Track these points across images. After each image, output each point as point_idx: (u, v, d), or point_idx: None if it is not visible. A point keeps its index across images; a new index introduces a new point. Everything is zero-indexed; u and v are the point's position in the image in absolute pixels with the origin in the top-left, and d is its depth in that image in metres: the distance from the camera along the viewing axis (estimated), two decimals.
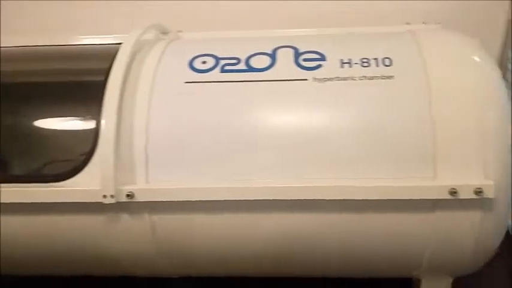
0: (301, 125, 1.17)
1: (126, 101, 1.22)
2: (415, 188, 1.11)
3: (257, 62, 1.26)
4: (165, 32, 1.53)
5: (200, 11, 1.94)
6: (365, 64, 1.23)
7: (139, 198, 1.17)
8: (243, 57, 1.27)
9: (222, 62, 1.27)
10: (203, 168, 1.18)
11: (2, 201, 1.21)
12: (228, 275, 1.39)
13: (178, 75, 1.26)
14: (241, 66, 1.25)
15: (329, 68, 1.23)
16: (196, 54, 1.30)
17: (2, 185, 1.22)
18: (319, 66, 1.23)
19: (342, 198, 1.12)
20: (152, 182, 1.19)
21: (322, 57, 1.25)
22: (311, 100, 1.19)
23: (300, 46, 1.30)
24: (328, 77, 1.21)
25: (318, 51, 1.27)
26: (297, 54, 1.27)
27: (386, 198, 1.12)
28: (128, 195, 1.16)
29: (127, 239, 1.25)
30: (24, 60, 1.53)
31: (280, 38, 1.41)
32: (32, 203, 1.20)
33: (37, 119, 1.39)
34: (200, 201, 1.16)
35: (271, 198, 1.13)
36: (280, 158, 1.16)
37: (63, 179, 1.22)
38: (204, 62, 1.27)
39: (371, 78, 1.20)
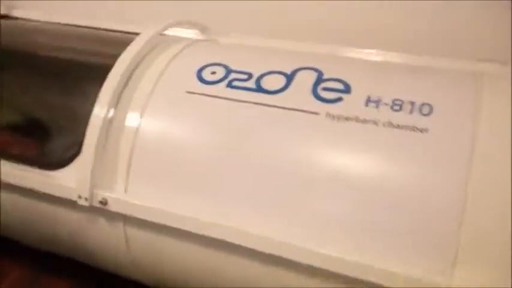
0: (294, 170, 0.97)
1: (123, 99, 1.13)
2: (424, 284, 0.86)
3: (269, 82, 1.08)
4: (201, 30, 1.41)
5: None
6: (396, 107, 0.98)
7: (112, 207, 1.09)
8: (256, 74, 1.10)
9: (232, 76, 1.11)
10: (184, 190, 1.06)
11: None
12: None
13: (183, 82, 1.13)
14: (251, 84, 1.08)
15: (350, 104, 1.00)
16: (208, 62, 1.16)
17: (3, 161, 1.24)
18: (338, 99, 1.02)
19: (329, 269, 0.92)
20: (130, 192, 1.10)
21: (346, 89, 1.03)
22: (315, 141, 0.98)
23: (327, 70, 1.08)
24: (345, 115, 0.98)
25: (344, 80, 1.05)
26: (319, 79, 1.06)
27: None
28: (101, 202, 1.10)
29: (102, 242, 1.19)
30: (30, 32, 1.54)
31: (317, 55, 1.21)
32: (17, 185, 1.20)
33: (40, 96, 1.38)
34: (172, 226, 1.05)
35: (236, 243, 0.97)
36: (258, 200, 0.99)
37: (55, 168, 1.19)
38: (213, 73, 1.13)
39: (398, 127, 0.95)
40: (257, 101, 1.05)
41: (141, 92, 1.15)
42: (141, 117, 1.11)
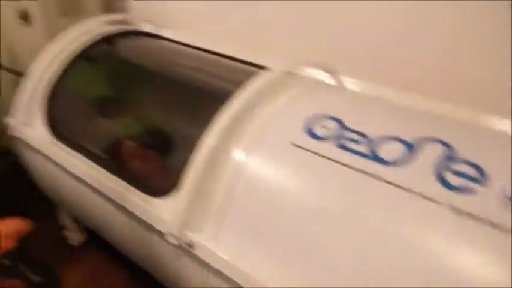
0: (401, 259, 0.82)
1: (231, 137, 1.08)
2: None
3: (386, 150, 0.93)
4: (328, 72, 1.28)
5: None
6: None
7: (198, 252, 1.06)
8: (372, 136, 0.96)
9: (344, 134, 0.98)
10: (278, 255, 0.96)
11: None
12: None
13: (289, 131, 1.04)
14: (364, 148, 0.94)
15: (484, 199, 0.81)
16: (322, 113, 1.04)
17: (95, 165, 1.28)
18: (469, 190, 0.83)
19: None
20: (221, 241, 1.04)
21: (483, 177, 0.84)
22: (430, 236, 0.82)
23: (460, 145, 0.89)
24: (475, 213, 0.80)
25: (480, 165, 0.85)
26: (448, 158, 0.88)
27: None
28: (188, 244, 1.06)
29: (185, 278, 1.18)
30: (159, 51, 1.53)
31: (452, 121, 1.01)
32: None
33: (156, 115, 1.38)
34: None
35: None
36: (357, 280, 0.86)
37: (155, 195, 1.19)
38: (323, 126, 1.01)
39: None
40: (369, 171, 0.91)
41: (250, 133, 1.07)
42: (245, 161, 1.04)
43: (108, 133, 1.57)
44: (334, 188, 0.94)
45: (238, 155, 1.08)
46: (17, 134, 1.50)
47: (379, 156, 0.92)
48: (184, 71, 1.57)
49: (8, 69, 1.84)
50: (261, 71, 1.21)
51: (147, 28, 1.72)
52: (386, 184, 0.89)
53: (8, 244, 0.96)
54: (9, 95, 1.59)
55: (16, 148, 1.63)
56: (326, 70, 1.28)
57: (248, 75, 1.20)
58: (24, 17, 1.71)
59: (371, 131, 0.97)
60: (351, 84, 1.25)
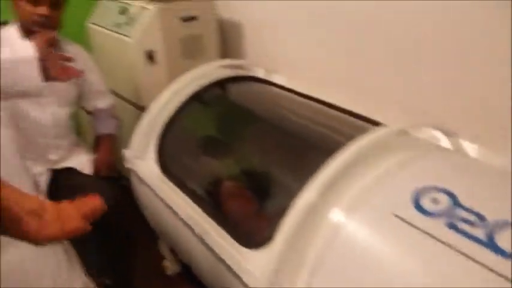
0: None
1: (331, 195, 1.03)
2: None
3: (507, 239, 0.80)
4: (447, 135, 1.18)
5: None
6: None
7: None
8: (490, 219, 0.84)
9: (457, 212, 0.87)
10: None
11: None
12: None
13: (395, 200, 0.96)
14: (480, 232, 0.82)
15: None
16: (433, 184, 0.94)
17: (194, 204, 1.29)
18: None
19: None
20: None
21: None
22: None
23: None
24: None
25: None
26: None
27: None
28: None
29: None
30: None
31: None
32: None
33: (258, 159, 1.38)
34: None
35: None
36: None
37: (247, 245, 1.17)
38: (434, 200, 0.91)
39: None
40: (484, 262, 0.79)
41: (353, 194, 1.02)
42: (344, 223, 0.99)
43: (210, 172, 1.62)
44: (439, 273, 0.83)
45: (337, 215, 1.02)
46: (130, 165, 1.61)
47: (498, 245, 0.80)
48: (292, 119, 1.57)
49: (132, 103, 2.01)
50: (372, 127, 1.16)
51: (259, 73, 1.77)
52: (504, 280, 0.76)
53: (81, 225, 0.84)
54: (132, 127, 1.72)
55: (129, 175, 1.75)
56: (444, 132, 1.19)
57: (359, 130, 1.15)
58: (150, 57, 1.86)
59: (490, 212, 0.85)
60: (470, 149, 1.13)
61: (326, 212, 1.03)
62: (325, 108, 1.46)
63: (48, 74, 1.13)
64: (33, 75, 1.10)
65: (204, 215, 1.30)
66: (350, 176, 1.06)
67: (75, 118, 1.89)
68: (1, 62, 1.06)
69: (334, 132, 1.36)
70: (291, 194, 1.10)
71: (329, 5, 1.62)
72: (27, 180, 1.09)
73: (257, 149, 1.53)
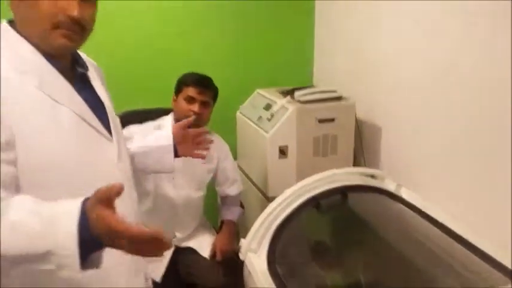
0: None
1: None
2: None
3: None
4: None
5: None
6: None
7: None
8: None
9: None
10: None
11: None
12: None
13: None
14: None
15: None
16: None
17: None
18: None
19: None
20: None
21: None
22: None
23: None
24: None
25: None
26: None
27: None
28: None
29: None
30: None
31: None
32: None
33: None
34: None
35: None
36: None
37: None
38: None
39: None
40: None
41: None
42: None
43: (316, 279, 1.56)
44: None
45: None
46: (242, 257, 1.66)
47: None
48: (411, 243, 1.44)
49: (261, 192, 2.10)
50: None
51: (389, 186, 1.69)
52: None
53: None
54: (257, 215, 1.78)
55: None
56: None
57: (487, 279, 1.00)
58: (283, 151, 1.95)
59: None
60: None
61: None
62: (456, 244, 1.30)
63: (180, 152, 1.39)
64: (167, 161, 1.37)
65: None
66: None
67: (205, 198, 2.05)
68: (146, 146, 1.35)
69: (458, 274, 1.19)
70: None
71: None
72: None
73: (368, 266, 1.43)
